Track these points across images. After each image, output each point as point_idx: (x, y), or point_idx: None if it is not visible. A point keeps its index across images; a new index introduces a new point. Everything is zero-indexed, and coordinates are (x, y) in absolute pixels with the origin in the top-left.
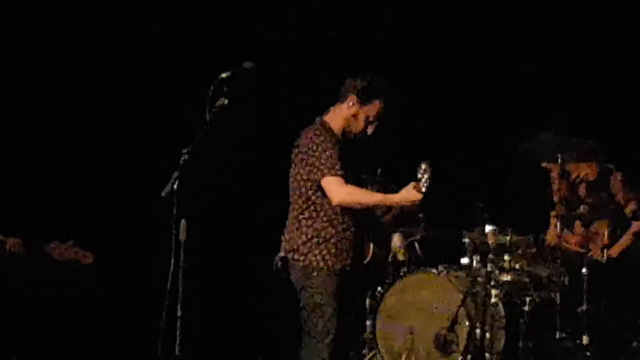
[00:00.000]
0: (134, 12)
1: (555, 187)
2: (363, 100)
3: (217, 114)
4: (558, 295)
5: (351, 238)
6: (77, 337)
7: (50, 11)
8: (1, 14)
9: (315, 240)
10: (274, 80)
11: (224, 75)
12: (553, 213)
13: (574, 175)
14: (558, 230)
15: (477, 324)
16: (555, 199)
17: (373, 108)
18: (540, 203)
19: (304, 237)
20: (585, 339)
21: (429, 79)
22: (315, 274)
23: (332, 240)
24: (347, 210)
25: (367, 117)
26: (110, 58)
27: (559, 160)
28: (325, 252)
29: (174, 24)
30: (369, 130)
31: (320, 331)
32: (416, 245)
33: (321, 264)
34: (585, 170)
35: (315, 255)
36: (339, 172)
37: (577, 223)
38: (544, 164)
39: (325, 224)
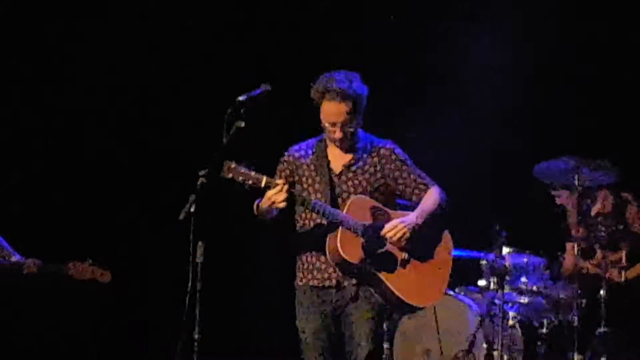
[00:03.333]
0: (149, 32)
1: (571, 220)
2: (316, 108)
3: (234, 137)
4: (576, 318)
5: (315, 256)
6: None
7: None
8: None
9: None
10: (291, 102)
11: (240, 98)
12: (569, 244)
13: (593, 213)
14: (575, 252)
15: (495, 347)
16: (574, 231)
17: (322, 112)
18: (557, 225)
19: None
20: None
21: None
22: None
23: (300, 257)
24: (305, 227)
25: (326, 124)
26: (129, 80)
27: (576, 184)
28: (297, 268)
29: (190, 47)
30: (337, 135)
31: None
32: None
33: (295, 281)
34: (601, 204)
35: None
36: None
37: (597, 249)
38: (553, 192)
39: (297, 241)
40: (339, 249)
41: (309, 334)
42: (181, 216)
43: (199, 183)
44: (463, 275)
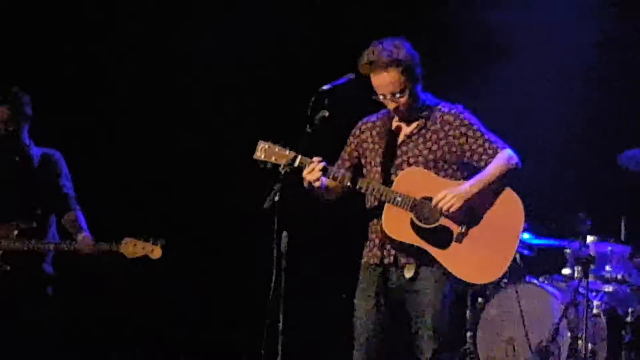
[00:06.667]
0: (227, 18)
1: None
2: None
3: (318, 126)
4: None
5: (375, 233)
6: (177, 347)
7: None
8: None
9: None
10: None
11: (324, 87)
12: None
13: None
14: None
15: (579, 336)
16: None
17: (373, 85)
18: None
19: None
20: None
21: None
22: None
23: (368, 235)
24: (367, 206)
25: (380, 96)
26: (211, 71)
27: None
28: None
29: (271, 34)
30: (391, 106)
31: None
32: (517, 255)
33: None
34: None
35: None
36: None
37: None
38: None
39: (365, 219)
40: (383, 227)
41: (361, 312)
42: (266, 205)
43: (283, 172)
44: (547, 263)
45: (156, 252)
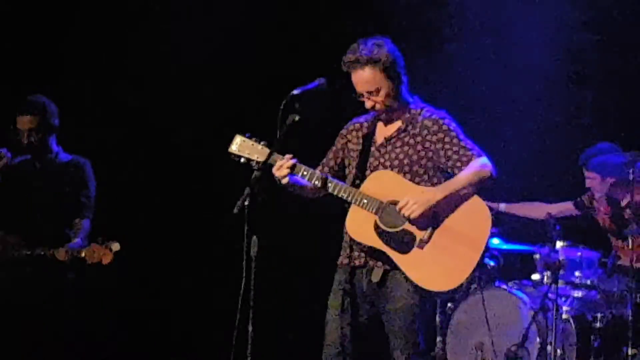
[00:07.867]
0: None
1: (600, 210)
2: None
3: (289, 131)
4: (630, 312)
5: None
6: (143, 352)
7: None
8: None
9: None
10: (346, 96)
11: (295, 91)
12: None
13: (623, 203)
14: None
15: (548, 341)
16: (601, 221)
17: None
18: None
19: None
20: None
21: None
22: None
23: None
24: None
25: (359, 94)
26: (187, 76)
27: (631, 178)
28: None
29: (246, 37)
30: (368, 105)
31: None
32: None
33: None
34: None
35: None
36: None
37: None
38: (587, 173)
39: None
40: (347, 228)
41: (331, 312)
42: (235, 210)
43: (253, 177)
44: (517, 269)
45: (107, 257)
